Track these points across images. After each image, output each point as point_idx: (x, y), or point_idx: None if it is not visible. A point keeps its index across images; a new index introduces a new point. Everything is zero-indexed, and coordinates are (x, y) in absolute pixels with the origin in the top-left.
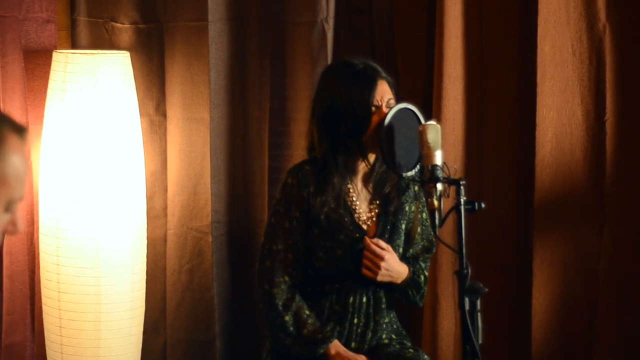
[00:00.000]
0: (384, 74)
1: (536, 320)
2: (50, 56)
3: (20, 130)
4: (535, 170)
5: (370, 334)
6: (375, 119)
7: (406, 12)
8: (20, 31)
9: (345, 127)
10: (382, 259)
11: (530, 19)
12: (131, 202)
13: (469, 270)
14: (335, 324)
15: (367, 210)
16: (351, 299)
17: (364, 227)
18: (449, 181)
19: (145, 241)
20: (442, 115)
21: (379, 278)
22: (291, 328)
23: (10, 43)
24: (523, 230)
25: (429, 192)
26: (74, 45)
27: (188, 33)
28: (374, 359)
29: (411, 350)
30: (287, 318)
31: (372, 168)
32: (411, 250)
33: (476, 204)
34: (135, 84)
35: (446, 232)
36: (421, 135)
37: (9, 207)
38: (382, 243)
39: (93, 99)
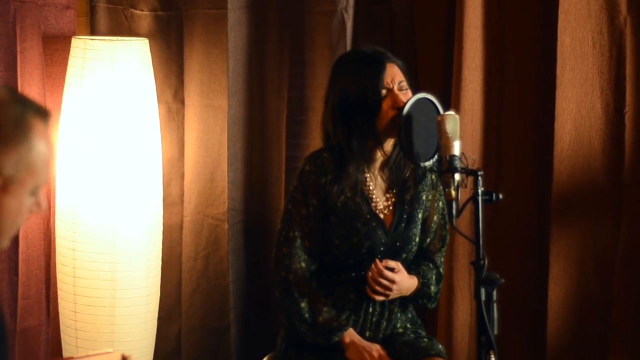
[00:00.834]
0: (393, 58)
1: (552, 312)
2: (69, 42)
3: (44, 114)
4: (553, 162)
5: (385, 323)
6: (387, 102)
7: (426, 1)
8: (40, 17)
9: (358, 113)
10: (394, 282)
11: (550, 11)
12: (148, 189)
13: (486, 261)
14: (350, 313)
15: (384, 199)
16: (366, 288)
17: (381, 216)
18: (466, 171)
19: (162, 228)
20: (461, 106)
21: (390, 297)
22: (307, 315)
23: (29, 28)
24: (540, 222)
25: (446, 182)
26: (93, 31)
27: (207, 21)
28: (388, 348)
29: (426, 339)
30: (303, 305)
31: (389, 158)
32: (428, 240)
33: (494, 194)
34: (154, 71)
35: (463, 223)
36: (440, 125)
37: (34, 192)
38: (392, 262)
39: (111, 85)
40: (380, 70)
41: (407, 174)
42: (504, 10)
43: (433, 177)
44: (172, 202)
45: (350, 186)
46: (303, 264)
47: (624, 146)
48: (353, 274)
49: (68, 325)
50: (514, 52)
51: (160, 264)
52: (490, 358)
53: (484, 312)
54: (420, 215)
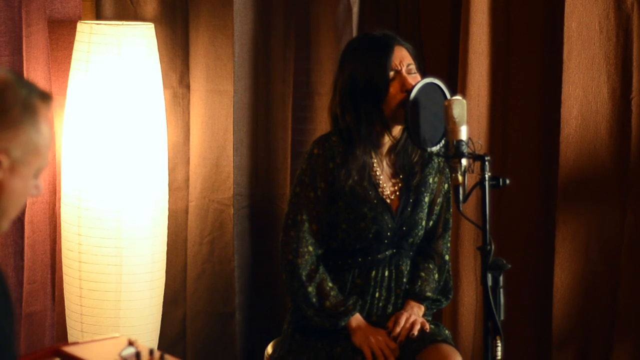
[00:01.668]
0: (403, 41)
1: (557, 297)
2: (75, 27)
3: (46, 97)
4: (559, 147)
5: (391, 308)
6: (394, 85)
7: None
8: (45, 1)
9: (365, 96)
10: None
11: None
12: (153, 174)
13: (492, 246)
14: (357, 298)
15: (390, 184)
16: (373, 273)
17: (388, 201)
18: (473, 156)
19: (167, 213)
20: (467, 91)
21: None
22: (314, 299)
23: (34, 13)
24: (546, 207)
25: (453, 167)
26: (99, 16)
27: (213, 5)
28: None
29: (432, 325)
30: (310, 289)
31: (397, 143)
32: (431, 223)
33: (501, 179)
34: (159, 55)
35: (469, 208)
36: (447, 110)
37: (37, 174)
38: (403, 321)
39: (117, 70)
40: (388, 52)
41: (415, 159)
42: None
43: (440, 160)
44: (177, 187)
45: (357, 169)
46: (310, 248)
47: (630, 131)
48: (360, 259)
49: (73, 310)
50: (521, 38)
51: (165, 249)
52: (496, 343)
53: (491, 298)
54: (427, 199)
